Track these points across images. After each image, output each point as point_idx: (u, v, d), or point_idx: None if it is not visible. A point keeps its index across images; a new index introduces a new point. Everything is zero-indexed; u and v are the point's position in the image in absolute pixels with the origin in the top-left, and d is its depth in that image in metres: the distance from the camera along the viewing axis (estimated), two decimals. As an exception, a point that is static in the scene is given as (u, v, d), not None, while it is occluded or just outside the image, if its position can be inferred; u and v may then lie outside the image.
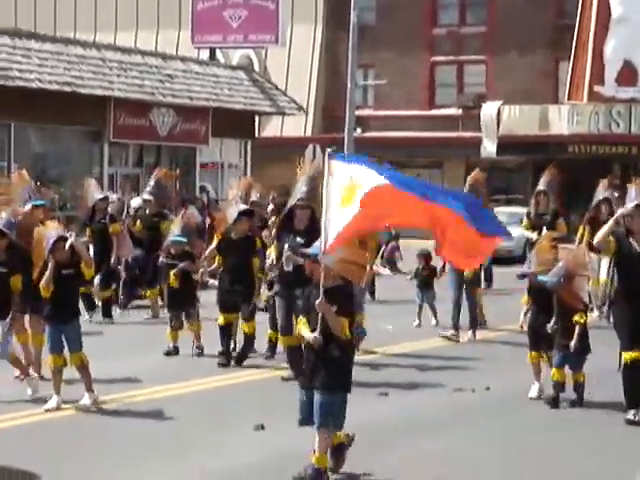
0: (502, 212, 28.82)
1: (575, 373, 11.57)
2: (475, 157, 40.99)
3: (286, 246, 12.43)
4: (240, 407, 11.16)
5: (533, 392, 11.87)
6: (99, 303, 18.05)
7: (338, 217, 8.20)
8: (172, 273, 14.56)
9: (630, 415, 10.66)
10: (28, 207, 12.87)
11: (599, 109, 40.06)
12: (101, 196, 18.79)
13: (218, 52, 39.81)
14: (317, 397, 8.45)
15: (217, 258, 14.12)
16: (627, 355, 10.73)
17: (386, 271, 26.28)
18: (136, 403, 11.43)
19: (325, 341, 8.42)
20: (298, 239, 12.31)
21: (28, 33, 29.55)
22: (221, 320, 13.85)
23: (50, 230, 11.30)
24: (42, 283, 11.03)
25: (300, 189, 12.64)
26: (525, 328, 12.46)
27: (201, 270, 15.02)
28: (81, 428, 10.40)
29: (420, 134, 43.29)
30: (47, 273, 11.00)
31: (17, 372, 12.05)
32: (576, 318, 11.46)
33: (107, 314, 17.94)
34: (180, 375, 12.89)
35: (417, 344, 15.84)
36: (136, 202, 21.13)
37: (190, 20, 39.32)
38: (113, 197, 20.79)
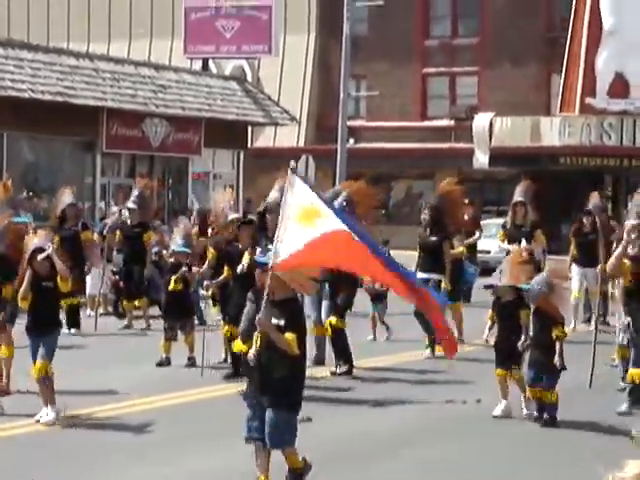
0: (493, 224, 28.89)
1: (549, 391, 11.05)
2: (467, 168, 41.04)
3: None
4: (232, 417, 11.06)
5: (497, 411, 11.44)
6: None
7: (295, 234, 7.91)
8: (173, 279, 14.49)
9: None
10: (7, 221, 12.54)
11: (591, 121, 40.14)
12: (71, 202, 18.58)
13: (211, 62, 39.82)
14: (269, 414, 8.07)
15: (226, 270, 13.69)
16: None
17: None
18: (128, 414, 11.39)
19: (270, 357, 8.07)
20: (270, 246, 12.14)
21: (21, 43, 29.51)
22: (228, 331, 13.61)
23: (37, 239, 11.18)
24: (20, 294, 10.95)
25: (272, 196, 12.72)
26: (491, 342, 12.21)
27: (206, 282, 14.88)
28: (69, 439, 10.33)
29: (412, 145, 43.31)
30: (24, 284, 10.91)
31: None
32: (556, 333, 11.00)
33: (75, 324, 17.62)
34: (171, 386, 12.88)
35: (401, 356, 15.69)
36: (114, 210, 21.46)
37: (183, 31, 39.39)
38: (114, 209, 20.73)
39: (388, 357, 15.64)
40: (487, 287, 12.05)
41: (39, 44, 31.17)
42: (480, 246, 24.92)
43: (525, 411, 11.41)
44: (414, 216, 31.74)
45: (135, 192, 19.92)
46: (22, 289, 10.91)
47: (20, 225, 12.90)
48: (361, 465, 9.48)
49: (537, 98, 43.11)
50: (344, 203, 14.26)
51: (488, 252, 27.04)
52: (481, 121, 42.09)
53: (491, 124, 41.74)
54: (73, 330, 17.38)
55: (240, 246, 13.52)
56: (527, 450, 10.24)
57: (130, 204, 19.52)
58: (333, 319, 14.22)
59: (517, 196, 18.07)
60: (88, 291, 19.85)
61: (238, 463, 8.80)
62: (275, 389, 8.06)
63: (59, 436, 10.46)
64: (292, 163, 8.67)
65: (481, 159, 41.42)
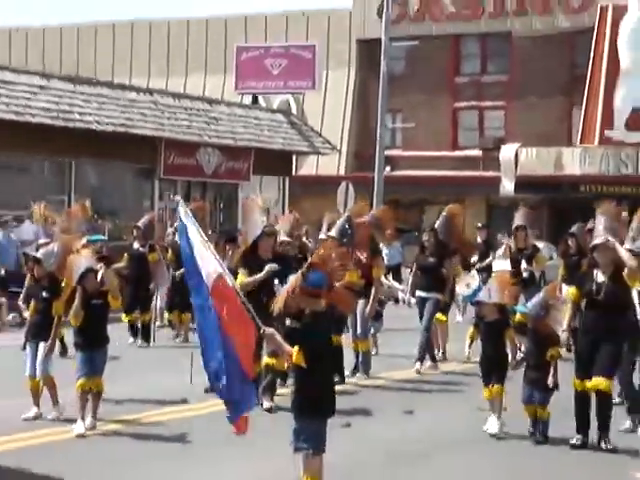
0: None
1: (541, 409, 10.60)
2: (495, 195, 40.96)
3: (276, 281, 11.63)
4: (274, 423, 10.83)
5: (494, 428, 10.84)
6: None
7: (204, 258, 7.68)
8: None
9: None
10: (83, 241, 12.36)
11: (609, 152, 39.97)
12: (138, 224, 18.65)
13: (260, 97, 40.02)
14: (295, 422, 7.98)
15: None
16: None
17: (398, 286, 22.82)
18: (179, 419, 11.38)
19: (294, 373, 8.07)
20: (273, 266, 11.89)
21: (88, 79, 29.81)
22: None
23: (81, 259, 11.03)
24: (71, 312, 10.78)
25: (260, 220, 12.38)
26: (471, 359, 11.90)
27: None
28: (119, 443, 10.33)
29: (444, 173, 43.28)
30: (76, 302, 10.77)
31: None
32: (552, 353, 10.55)
33: (146, 338, 17.81)
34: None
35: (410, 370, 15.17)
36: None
37: (234, 68, 39.66)
38: (169, 230, 20.55)
39: (397, 371, 15.23)
40: (474, 303, 11.50)
41: (104, 80, 31.50)
42: (502, 266, 24.66)
43: (491, 430, 10.82)
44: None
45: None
46: (74, 308, 10.76)
47: (97, 243, 12.58)
48: (397, 468, 9.49)
49: (560, 130, 42.97)
50: (346, 225, 14.14)
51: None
52: (508, 151, 42.01)
53: (517, 154, 41.64)
54: (142, 342, 17.59)
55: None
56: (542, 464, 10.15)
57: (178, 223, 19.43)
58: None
59: (517, 221, 17.71)
60: (158, 305, 19.66)
61: (282, 468, 8.68)
62: (297, 400, 8.02)
63: (112, 440, 10.45)
64: (177, 197, 8.41)
65: (507, 187, 41.30)
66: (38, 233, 16.00)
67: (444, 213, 16.49)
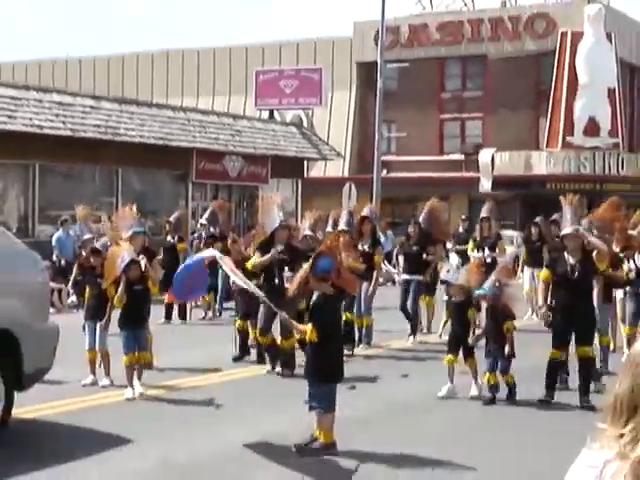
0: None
1: (505, 375, 10.37)
2: (475, 192, 41.01)
3: (287, 269, 11.71)
4: (293, 387, 10.92)
5: (443, 392, 10.61)
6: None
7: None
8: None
9: None
10: (129, 234, 12.15)
11: (570, 155, 39.99)
12: (169, 219, 18.68)
13: (275, 112, 40.06)
14: (314, 387, 8.15)
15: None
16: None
17: (393, 270, 22.34)
18: (213, 384, 11.45)
19: (311, 344, 8.14)
20: (279, 247, 11.84)
21: (131, 101, 29.91)
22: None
23: (123, 251, 10.96)
24: (116, 297, 10.72)
25: (277, 215, 12.18)
26: (444, 338, 11.62)
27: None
28: (159, 407, 10.40)
29: (432, 174, 43.29)
30: (120, 289, 10.70)
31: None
32: (507, 326, 10.29)
33: (182, 316, 17.77)
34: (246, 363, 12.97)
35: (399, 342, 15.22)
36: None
37: (254, 88, 39.69)
38: (198, 226, 20.63)
39: (394, 342, 15.16)
40: (442, 282, 11.32)
41: (144, 101, 31.57)
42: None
43: (473, 393, 10.63)
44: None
45: (208, 210, 19.74)
46: (118, 293, 10.70)
47: (138, 235, 12.20)
48: (394, 426, 9.54)
49: (528, 137, 42.96)
50: (349, 216, 14.19)
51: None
52: (485, 156, 42.02)
53: (493, 158, 41.66)
54: (180, 321, 17.59)
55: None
56: (528, 415, 10.21)
57: (202, 220, 19.37)
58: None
59: (483, 213, 17.54)
60: None
61: (298, 423, 8.77)
62: (310, 368, 8.20)
63: (155, 403, 10.49)
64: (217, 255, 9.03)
65: (485, 185, 41.34)
66: (83, 230, 15.99)
67: (426, 208, 16.22)
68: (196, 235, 20.09)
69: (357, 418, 9.42)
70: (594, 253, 10.45)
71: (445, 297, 11.73)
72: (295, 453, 8.14)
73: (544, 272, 10.79)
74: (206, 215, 19.42)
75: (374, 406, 10.24)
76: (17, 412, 8.91)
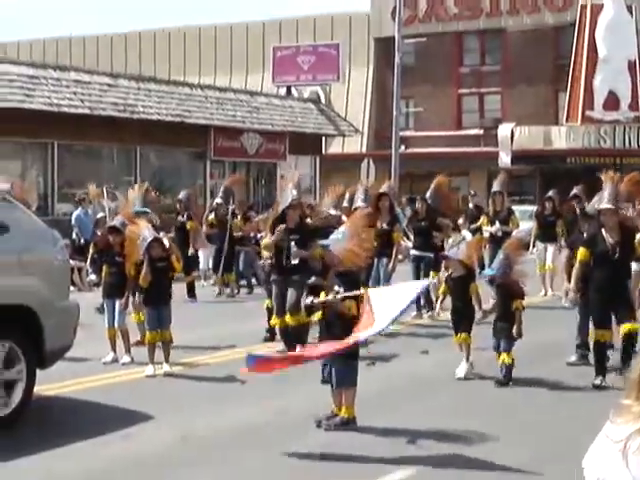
0: (516, 210, 28.69)
1: (505, 355, 9.99)
2: (494, 167, 40.76)
3: (292, 244, 11.65)
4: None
5: (461, 372, 10.35)
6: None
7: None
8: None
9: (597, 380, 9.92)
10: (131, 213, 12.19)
11: (590, 129, 39.77)
12: (179, 198, 18.31)
13: (293, 89, 39.99)
14: (337, 363, 8.16)
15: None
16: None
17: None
18: (228, 361, 11.63)
19: (334, 319, 8.13)
20: (293, 236, 11.65)
21: (149, 78, 29.88)
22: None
23: (143, 229, 10.97)
24: (142, 275, 10.69)
25: (291, 193, 12.00)
26: (442, 315, 11.35)
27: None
28: (179, 384, 10.49)
29: (450, 149, 43.21)
30: (145, 267, 10.69)
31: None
32: (516, 305, 10.01)
33: (192, 295, 17.40)
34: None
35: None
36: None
37: (271, 65, 39.62)
38: (216, 202, 20.17)
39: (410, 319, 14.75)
40: (442, 257, 11.11)
41: (162, 78, 31.56)
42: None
43: (459, 374, 10.33)
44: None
45: (221, 188, 19.39)
46: (143, 272, 10.69)
47: (139, 215, 12.23)
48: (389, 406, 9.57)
49: (548, 111, 42.75)
50: (365, 193, 14.20)
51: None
52: (504, 130, 41.85)
53: (512, 132, 41.48)
54: (191, 300, 17.28)
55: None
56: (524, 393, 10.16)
57: (217, 199, 18.99)
58: None
59: (495, 187, 17.32)
60: (201, 266, 19.84)
61: (320, 399, 8.80)
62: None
63: (175, 380, 10.59)
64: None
65: (505, 160, 41.19)
66: (96, 209, 15.93)
67: (433, 184, 15.95)
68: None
69: (376, 394, 9.46)
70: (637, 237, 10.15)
71: (443, 272, 11.34)
72: (316, 428, 8.20)
73: (581, 251, 10.23)
74: (220, 194, 19.18)
75: (394, 382, 10.29)
76: (39, 389, 8.99)
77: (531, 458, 7.39)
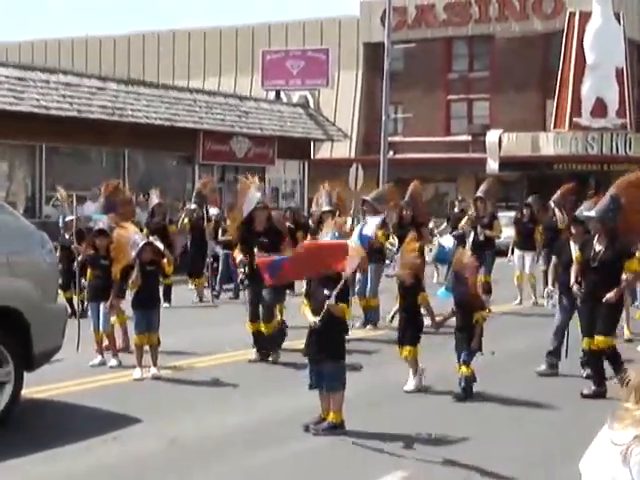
0: (503, 216, 28.72)
1: (465, 366, 9.61)
2: (482, 173, 40.84)
3: (255, 249, 11.34)
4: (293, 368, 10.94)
5: (410, 386, 9.90)
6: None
7: None
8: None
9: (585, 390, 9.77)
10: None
11: (578, 136, 39.93)
12: (158, 201, 17.90)
13: (282, 93, 39.98)
14: (327, 367, 8.11)
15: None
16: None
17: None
18: (216, 365, 11.56)
19: (328, 324, 8.05)
20: (262, 239, 11.39)
21: (138, 81, 29.87)
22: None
23: (132, 233, 10.92)
24: (132, 278, 10.65)
25: (255, 196, 11.72)
26: (395, 323, 10.87)
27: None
28: (167, 387, 10.47)
29: (439, 155, 43.26)
30: (135, 271, 10.63)
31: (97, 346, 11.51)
32: (477, 317, 9.58)
33: (167, 299, 16.70)
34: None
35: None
36: (213, 211, 19.61)
37: (260, 69, 39.61)
38: (189, 207, 19.46)
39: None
40: (388, 276, 10.64)
41: (151, 82, 31.52)
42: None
43: (408, 387, 9.91)
44: (441, 210, 31.89)
45: (194, 193, 18.99)
46: (133, 276, 10.64)
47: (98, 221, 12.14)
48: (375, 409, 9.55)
49: (536, 118, 42.87)
50: (328, 196, 14.16)
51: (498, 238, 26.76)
52: (492, 136, 41.96)
53: (500, 138, 41.61)
54: (166, 304, 16.75)
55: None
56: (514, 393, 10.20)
57: (192, 205, 18.69)
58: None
59: (478, 192, 17.27)
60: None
61: (305, 403, 8.79)
62: (325, 347, 8.14)
63: (162, 383, 10.58)
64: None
65: (492, 166, 41.29)
66: (65, 213, 15.75)
67: (409, 191, 15.73)
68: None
69: (364, 398, 9.46)
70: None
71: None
72: (304, 433, 8.19)
73: (577, 254, 10.23)
74: (193, 198, 18.86)
75: (381, 387, 10.27)
76: (26, 392, 8.96)
77: (516, 462, 7.40)
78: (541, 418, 8.97)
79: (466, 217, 17.54)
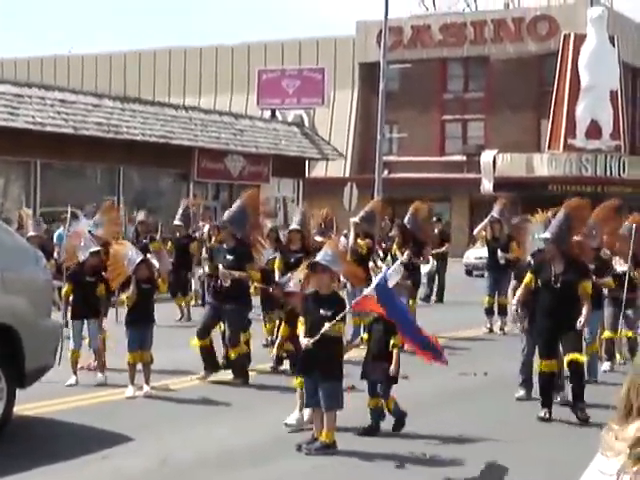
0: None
1: (386, 400, 8.86)
2: (476, 194, 41.04)
3: (220, 265, 11.39)
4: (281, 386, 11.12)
5: (292, 419, 9.05)
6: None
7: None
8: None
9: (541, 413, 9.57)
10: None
11: (572, 157, 40.04)
12: (141, 219, 17.63)
13: (277, 112, 40.07)
14: (323, 385, 8.07)
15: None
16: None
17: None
18: (196, 386, 11.54)
19: (324, 342, 8.00)
20: (228, 256, 11.40)
21: (133, 98, 29.90)
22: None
23: (127, 250, 10.84)
24: (127, 295, 10.61)
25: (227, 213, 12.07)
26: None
27: None
28: (158, 406, 10.43)
29: (433, 175, 43.36)
30: (131, 288, 10.60)
31: (82, 365, 11.46)
32: (394, 341, 8.66)
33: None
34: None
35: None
36: (205, 228, 19.02)
37: (256, 88, 39.70)
38: (200, 224, 19.76)
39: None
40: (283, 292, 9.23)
41: (147, 99, 31.56)
42: (479, 254, 24.78)
43: (290, 421, 9.07)
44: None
45: (180, 210, 18.68)
46: (130, 292, 10.59)
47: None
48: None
49: (530, 139, 43.02)
50: (301, 215, 13.99)
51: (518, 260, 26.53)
52: (487, 157, 42.05)
53: (494, 159, 41.69)
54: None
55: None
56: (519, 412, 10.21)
57: (176, 221, 18.39)
58: None
59: (494, 214, 16.82)
60: (193, 287, 19.05)
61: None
62: (328, 365, 8.12)
63: (154, 402, 10.56)
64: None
65: (487, 186, 41.36)
66: (28, 230, 15.72)
67: (411, 210, 15.68)
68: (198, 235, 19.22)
69: (356, 418, 9.43)
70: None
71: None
72: (296, 452, 8.17)
73: (528, 276, 10.01)
74: (178, 216, 18.56)
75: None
76: (17, 409, 8.92)
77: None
78: (525, 443, 8.97)
79: (480, 240, 17.04)
